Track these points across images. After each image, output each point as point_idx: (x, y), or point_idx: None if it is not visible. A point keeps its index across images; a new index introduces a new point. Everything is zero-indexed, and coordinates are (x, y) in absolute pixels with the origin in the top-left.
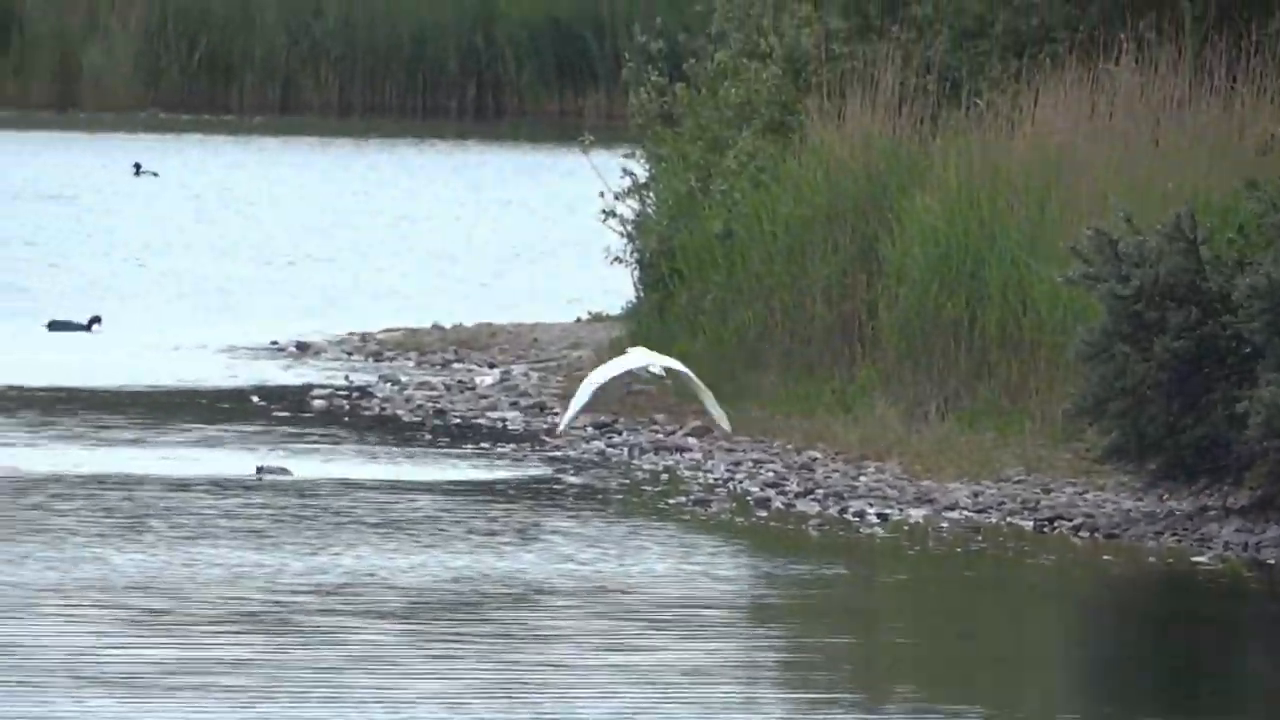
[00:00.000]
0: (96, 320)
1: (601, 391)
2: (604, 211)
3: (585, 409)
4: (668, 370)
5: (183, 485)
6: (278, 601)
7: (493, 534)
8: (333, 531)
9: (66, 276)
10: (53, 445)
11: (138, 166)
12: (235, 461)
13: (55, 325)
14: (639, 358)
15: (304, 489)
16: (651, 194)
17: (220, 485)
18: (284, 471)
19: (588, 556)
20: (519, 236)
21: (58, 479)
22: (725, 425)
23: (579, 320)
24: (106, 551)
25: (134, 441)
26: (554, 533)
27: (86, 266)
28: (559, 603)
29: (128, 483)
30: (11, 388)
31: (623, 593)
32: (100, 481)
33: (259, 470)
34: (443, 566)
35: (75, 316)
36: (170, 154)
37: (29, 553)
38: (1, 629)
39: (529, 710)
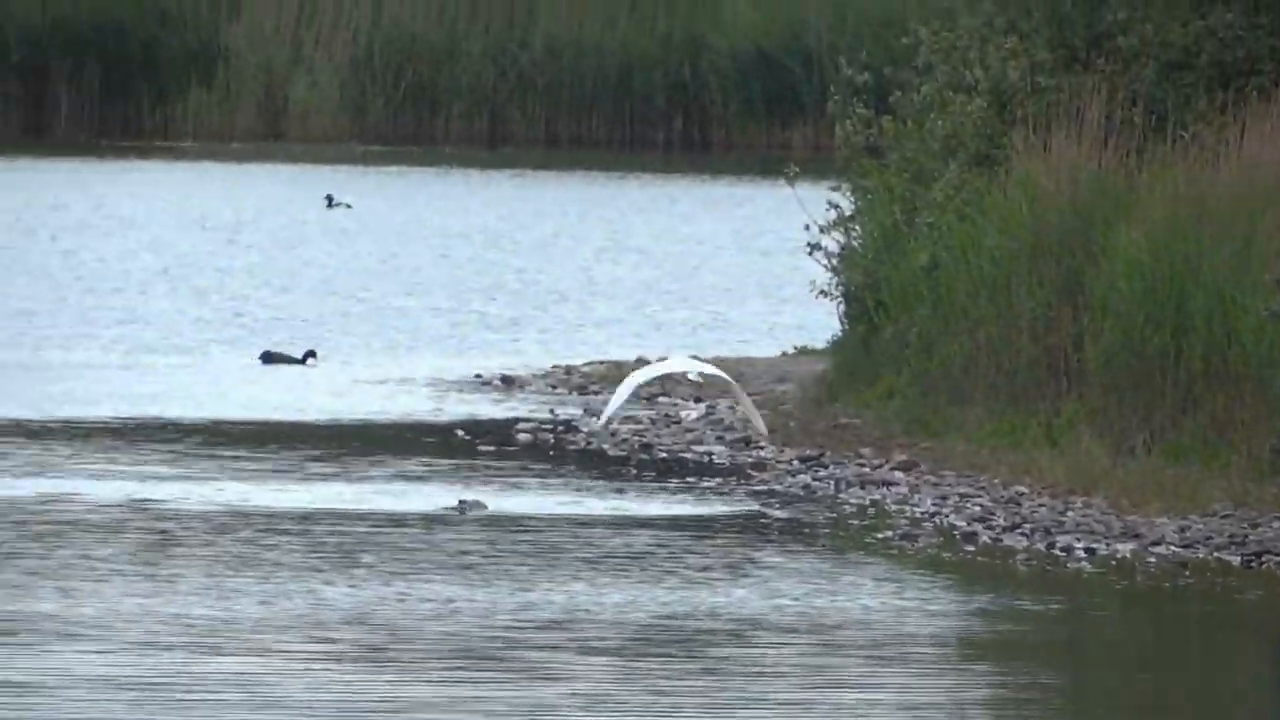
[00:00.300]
0: (311, 354)
1: (640, 389)
2: (809, 244)
3: (625, 404)
4: (704, 375)
5: (391, 520)
6: (492, 637)
7: (704, 569)
8: (543, 567)
9: (261, 309)
10: (263, 480)
11: (330, 199)
12: (441, 496)
13: (269, 357)
14: (678, 364)
15: (511, 524)
16: (857, 227)
17: (428, 520)
18: (481, 505)
19: (798, 591)
20: (725, 270)
21: (268, 514)
22: (761, 428)
23: (785, 354)
24: (318, 586)
25: (341, 475)
26: (763, 567)
27: (279, 299)
28: (772, 638)
29: (336, 517)
30: (224, 421)
31: (835, 628)
32: (309, 516)
33: (460, 504)
34: (655, 602)
35: (290, 349)
36: (368, 186)
37: (240, 587)
38: (216, 663)
39: None
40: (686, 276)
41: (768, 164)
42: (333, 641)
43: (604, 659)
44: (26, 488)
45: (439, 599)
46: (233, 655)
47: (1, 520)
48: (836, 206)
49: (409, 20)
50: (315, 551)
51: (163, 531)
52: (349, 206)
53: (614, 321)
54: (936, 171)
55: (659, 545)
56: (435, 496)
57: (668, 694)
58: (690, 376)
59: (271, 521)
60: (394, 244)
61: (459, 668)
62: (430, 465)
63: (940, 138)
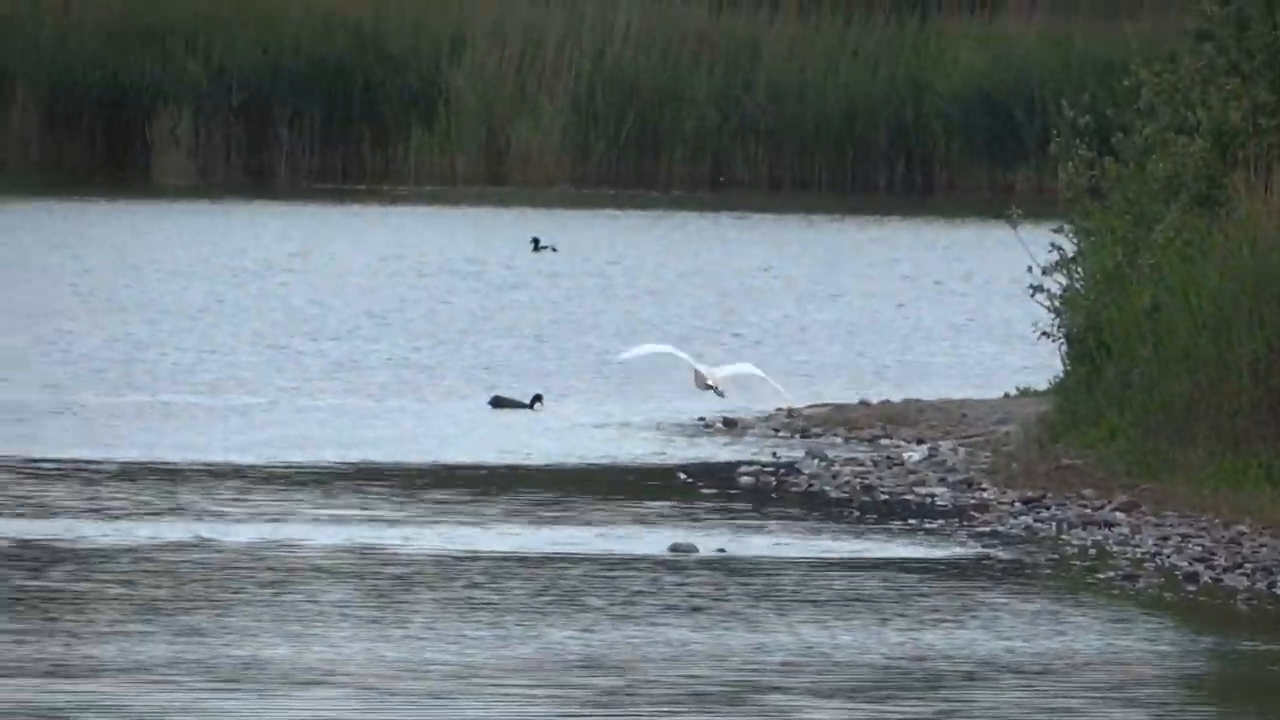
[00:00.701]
0: (538, 399)
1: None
2: (1032, 286)
3: (644, 357)
4: (731, 379)
5: (617, 562)
6: (727, 680)
7: (933, 610)
8: (771, 609)
9: (474, 352)
10: (488, 523)
11: (536, 241)
12: (664, 539)
13: (498, 402)
14: (706, 373)
15: (735, 566)
16: (1079, 268)
17: (653, 562)
18: (693, 549)
19: (1025, 633)
20: (946, 311)
21: (494, 557)
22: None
23: (1006, 395)
24: (546, 630)
25: (565, 519)
26: (989, 609)
27: (493, 343)
28: (1004, 680)
29: (563, 561)
30: (452, 465)
31: (1065, 669)
32: (534, 560)
33: (674, 548)
34: (885, 644)
35: (515, 394)
36: (577, 229)
37: (463, 631)
38: (454, 708)
39: None
40: (906, 319)
41: (990, 206)
42: (569, 686)
43: (838, 701)
44: (252, 533)
45: (670, 642)
46: (468, 698)
47: (231, 566)
48: (1059, 248)
49: (632, 63)
50: (542, 595)
51: (391, 576)
52: (554, 250)
53: (832, 364)
54: (1158, 213)
55: (885, 587)
56: (658, 539)
57: None
58: (717, 392)
59: (499, 565)
60: (599, 287)
61: (697, 711)
62: (653, 508)
63: (1162, 179)
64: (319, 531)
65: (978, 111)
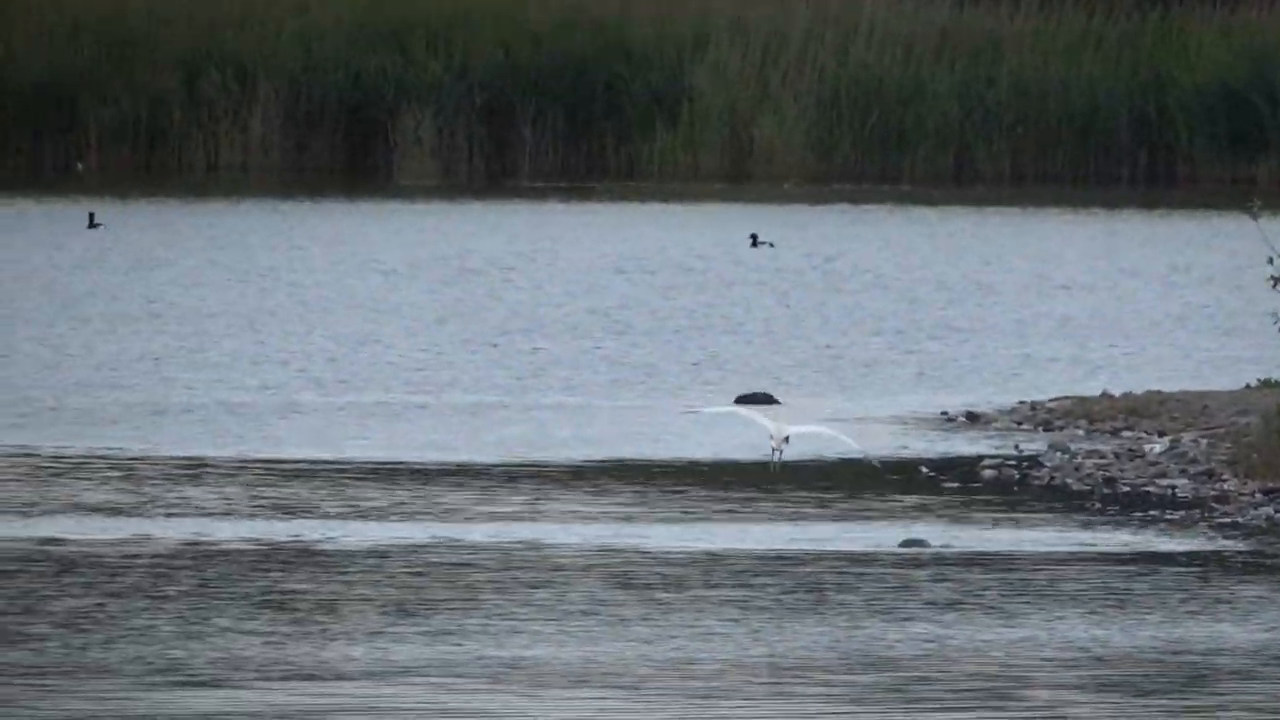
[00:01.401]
0: (770, 398)
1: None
2: (1272, 277)
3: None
4: (800, 438)
5: (860, 559)
6: (989, 675)
7: (1184, 602)
8: (1021, 603)
9: (700, 352)
10: (736, 520)
11: (754, 237)
12: (903, 533)
13: (742, 400)
14: (777, 427)
15: (980, 560)
16: None
17: (897, 558)
18: (925, 543)
19: (1274, 624)
20: (1190, 303)
21: (739, 555)
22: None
23: (1248, 386)
24: (796, 625)
25: (809, 515)
26: (1237, 601)
27: (713, 341)
28: (1263, 673)
29: (807, 557)
30: (695, 462)
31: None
32: (780, 557)
33: (907, 543)
34: (1140, 637)
35: (759, 391)
36: (800, 224)
37: (712, 628)
38: (706, 708)
39: None
40: (1146, 310)
41: (1231, 198)
42: (835, 685)
43: (1116, 695)
44: (498, 531)
45: (930, 638)
46: (731, 697)
47: (480, 565)
48: None
49: (876, 60)
50: (792, 592)
51: (640, 574)
52: (772, 246)
53: (1070, 358)
54: None
55: (1133, 579)
56: (901, 534)
57: None
58: (779, 451)
59: (750, 562)
60: (818, 281)
61: (961, 708)
62: (897, 502)
63: None
64: (567, 531)
65: (1219, 103)
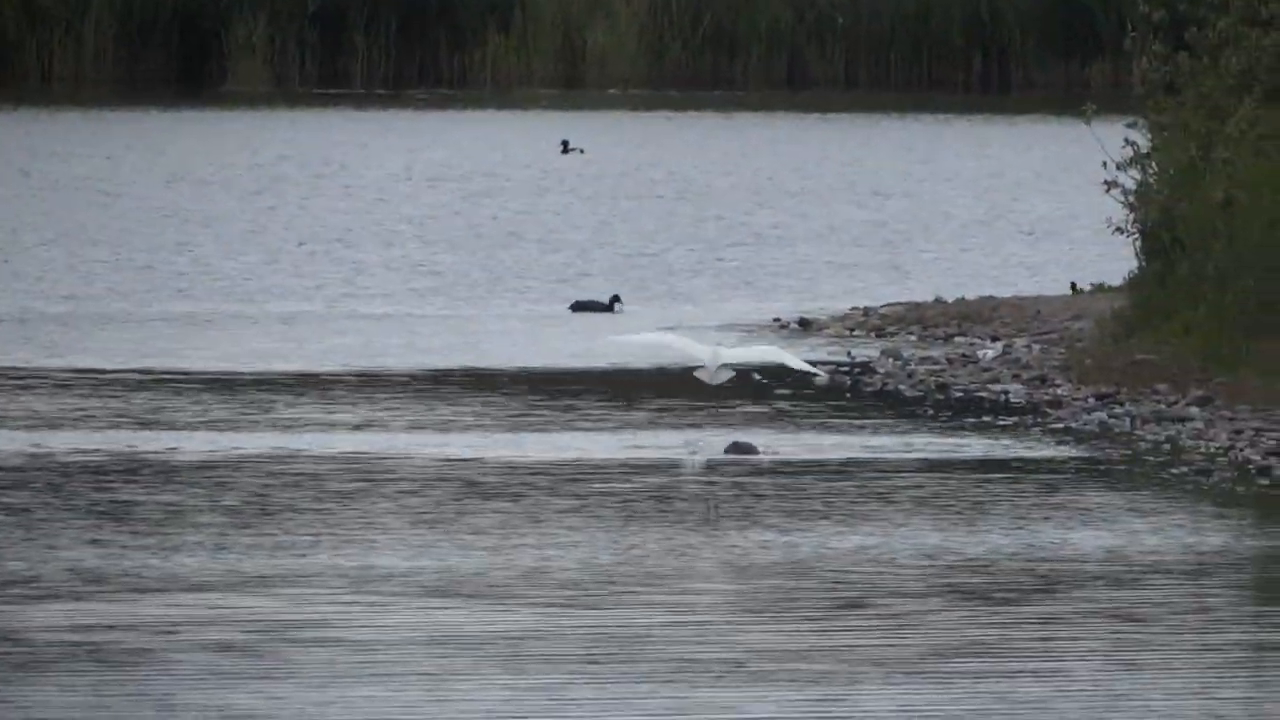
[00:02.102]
0: (617, 299)
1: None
2: (1106, 182)
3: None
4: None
5: (674, 466)
6: (842, 584)
7: (1015, 509)
8: (870, 509)
9: (509, 259)
10: (570, 429)
11: (565, 144)
12: (732, 439)
13: (579, 306)
14: (713, 354)
15: (817, 468)
16: (1153, 164)
17: (741, 465)
18: (751, 449)
19: (1099, 530)
20: (1022, 208)
21: (572, 463)
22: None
23: (1081, 292)
24: (644, 534)
25: (648, 424)
26: (1066, 507)
27: (525, 249)
28: (1083, 579)
29: (633, 466)
30: (533, 370)
31: (1135, 565)
32: (621, 465)
33: (732, 448)
34: (997, 545)
35: (597, 296)
36: (618, 130)
37: (559, 537)
38: (566, 618)
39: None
40: (988, 214)
41: (1066, 102)
42: (691, 593)
43: (970, 602)
44: (339, 442)
45: (778, 545)
46: (592, 608)
47: (313, 478)
48: (1133, 143)
49: None
50: (633, 500)
51: (475, 483)
52: (582, 152)
53: (911, 262)
54: (1232, 107)
55: (971, 485)
56: (725, 441)
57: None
58: (715, 380)
59: (582, 471)
60: (631, 190)
61: (818, 616)
62: (730, 409)
63: (1236, 73)
64: (408, 441)
65: (1053, 7)
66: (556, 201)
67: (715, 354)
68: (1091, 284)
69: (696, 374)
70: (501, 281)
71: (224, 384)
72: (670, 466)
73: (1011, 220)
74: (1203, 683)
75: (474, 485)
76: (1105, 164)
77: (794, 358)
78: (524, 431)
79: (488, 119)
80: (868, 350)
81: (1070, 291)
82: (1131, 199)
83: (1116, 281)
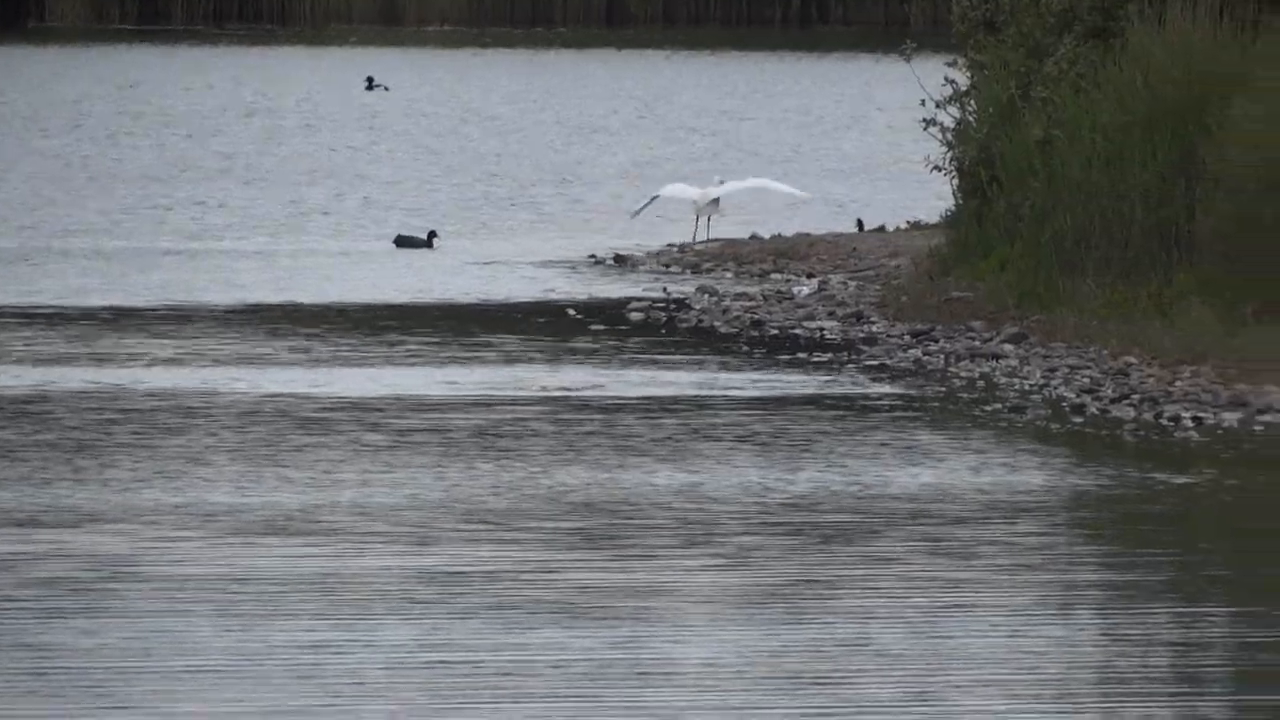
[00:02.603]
0: (434, 235)
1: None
2: (925, 120)
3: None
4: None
5: (497, 401)
6: (689, 519)
7: (825, 444)
8: (694, 447)
9: (320, 195)
10: (390, 363)
11: (370, 81)
12: (547, 377)
13: (401, 241)
14: (701, 194)
15: (638, 405)
16: (972, 102)
17: (529, 400)
18: (569, 386)
19: (908, 464)
20: (838, 145)
21: (395, 398)
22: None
23: (897, 229)
24: (481, 469)
25: (465, 360)
26: (872, 444)
27: (331, 186)
28: (885, 509)
29: (451, 402)
30: (350, 305)
31: (946, 499)
32: (426, 401)
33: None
34: (822, 481)
35: (416, 232)
36: (425, 67)
37: (395, 471)
38: (423, 556)
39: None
40: (804, 151)
41: (885, 39)
42: (533, 529)
43: (797, 539)
44: (164, 378)
45: (603, 483)
46: (446, 543)
47: (139, 412)
48: (952, 82)
49: None
50: (453, 435)
51: (306, 419)
52: (386, 89)
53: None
54: (1052, 46)
55: (792, 421)
56: (539, 377)
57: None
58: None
59: (406, 406)
60: (440, 128)
61: (677, 548)
62: (544, 343)
63: (1056, 11)
64: (233, 375)
65: None
66: (362, 139)
67: (704, 194)
68: (909, 221)
69: (698, 210)
70: (311, 218)
71: (45, 319)
72: (493, 404)
73: (823, 157)
74: (1020, 619)
75: (301, 421)
76: (924, 102)
77: (783, 186)
78: (345, 367)
79: (303, 55)
80: (684, 286)
81: (857, 229)
82: (950, 137)
83: (934, 220)
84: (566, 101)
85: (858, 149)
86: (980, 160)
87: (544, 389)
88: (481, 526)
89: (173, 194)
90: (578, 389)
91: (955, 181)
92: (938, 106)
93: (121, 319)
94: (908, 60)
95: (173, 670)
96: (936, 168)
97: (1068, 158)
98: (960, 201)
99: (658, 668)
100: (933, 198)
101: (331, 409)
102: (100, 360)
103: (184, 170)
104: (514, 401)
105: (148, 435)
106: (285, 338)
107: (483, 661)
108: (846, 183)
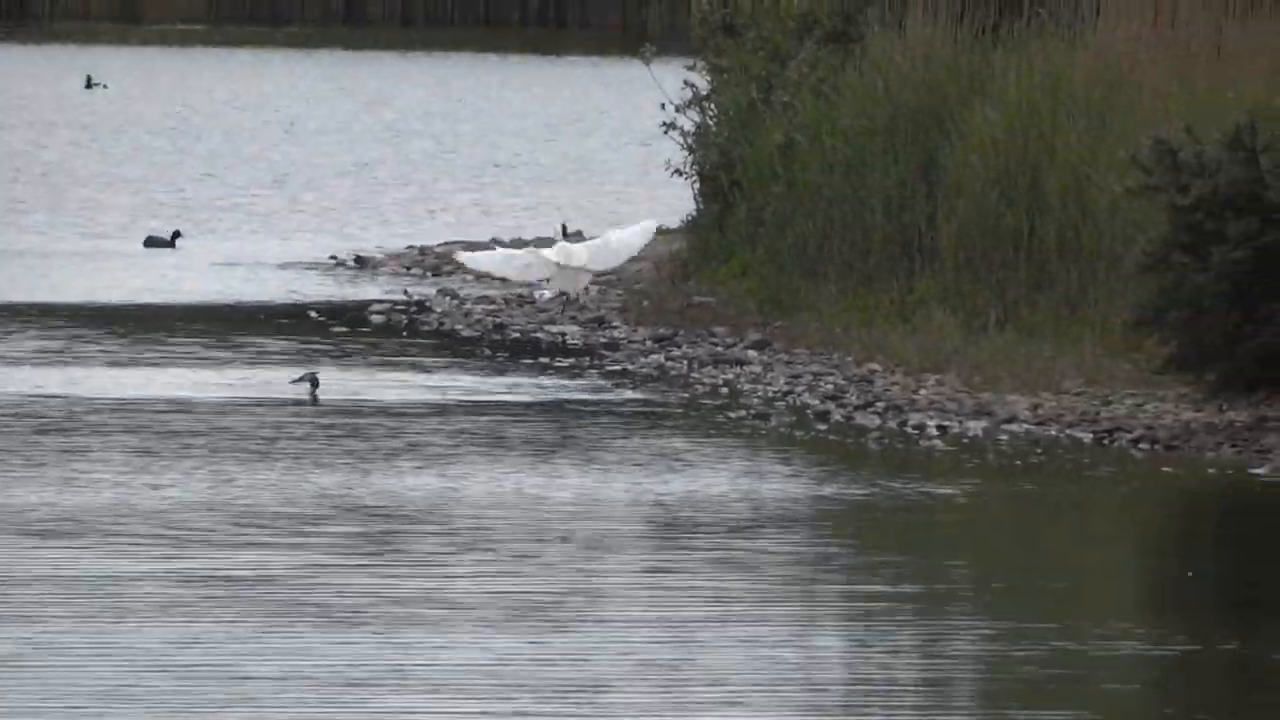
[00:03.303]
0: (178, 234)
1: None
2: (664, 124)
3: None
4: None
5: (248, 402)
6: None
7: (552, 452)
8: (374, 454)
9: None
10: (136, 365)
11: (89, 79)
12: (290, 378)
13: (150, 241)
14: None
15: (350, 408)
16: (712, 106)
17: (279, 404)
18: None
19: (649, 474)
20: (578, 149)
21: (133, 400)
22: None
23: (571, 235)
24: (246, 472)
25: (192, 360)
26: (614, 451)
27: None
28: (620, 520)
29: (174, 405)
30: (99, 306)
31: (683, 508)
32: (182, 402)
33: (307, 378)
34: (578, 490)
35: (159, 232)
36: (147, 65)
37: (93, 476)
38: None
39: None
40: (544, 155)
41: (625, 43)
42: (316, 535)
43: (591, 549)
44: None
45: (383, 489)
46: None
47: None
48: (692, 85)
49: None
50: (191, 434)
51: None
52: (105, 87)
53: (469, 203)
54: (792, 50)
55: (537, 428)
56: (284, 380)
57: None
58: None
59: (152, 408)
60: (157, 126)
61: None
62: (282, 348)
63: (796, 16)
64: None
65: None
66: (75, 137)
67: (565, 252)
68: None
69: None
70: (29, 217)
71: None
72: (246, 405)
73: (568, 160)
74: (766, 629)
75: (54, 421)
76: (664, 105)
77: (635, 230)
78: (100, 367)
79: (28, 54)
80: (424, 289)
81: (562, 235)
82: (690, 141)
83: (675, 224)
84: (288, 102)
85: (598, 152)
86: (721, 164)
87: (308, 394)
88: (244, 530)
89: None
90: (330, 393)
91: (696, 186)
92: (677, 110)
93: None
94: (647, 64)
95: None
96: (677, 171)
97: (809, 163)
98: (701, 206)
99: (419, 674)
100: (674, 202)
101: (87, 410)
102: None
103: None
104: (264, 404)
105: None
106: (37, 338)
107: (240, 666)
108: (586, 186)
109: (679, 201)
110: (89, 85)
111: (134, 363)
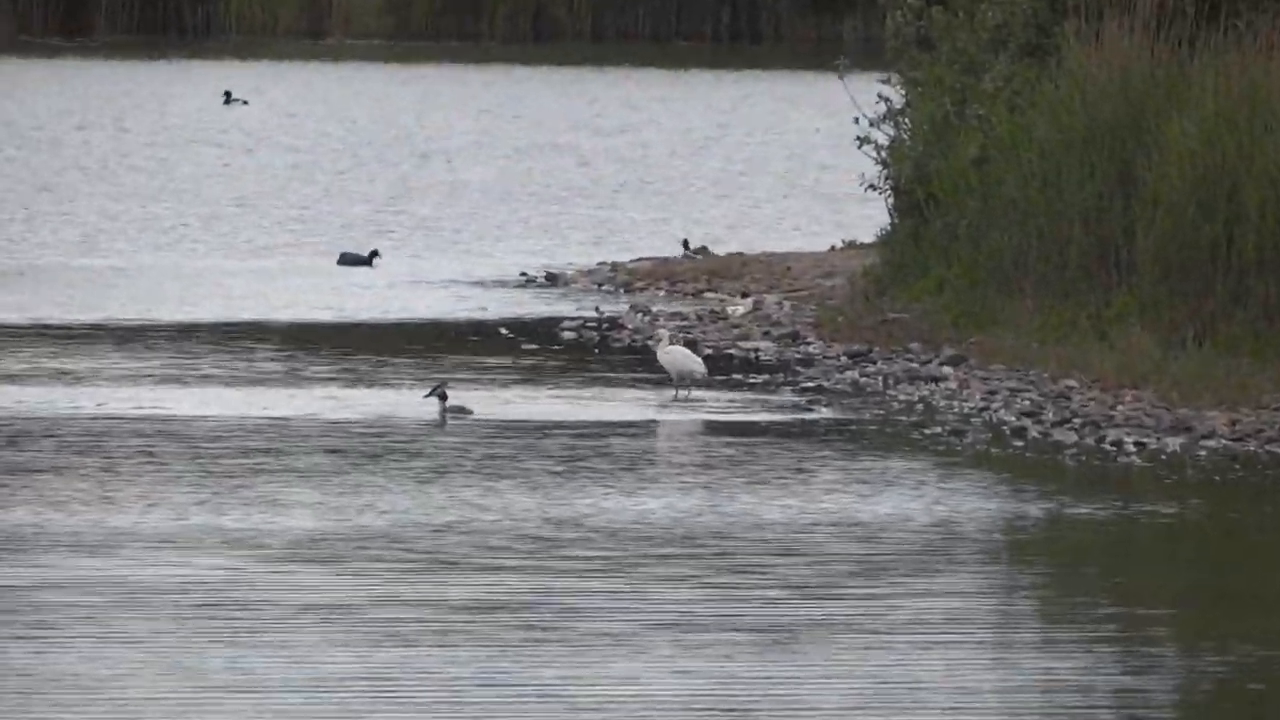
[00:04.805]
0: (376, 254)
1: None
2: (859, 138)
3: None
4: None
5: (430, 424)
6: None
7: (755, 469)
8: (565, 472)
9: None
10: (321, 385)
11: (228, 95)
12: (484, 397)
13: (344, 259)
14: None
15: (571, 427)
16: (907, 120)
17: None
18: (465, 410)
19: (849, 491)
20: (773, 165)
21: (324, 419)
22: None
23: (833, 248)
24: (400, 492)
25: (384, 380)
26: (813, 467)
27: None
28: (825, 538)
29: (366, 423)
30: (289, 324)
31: (884, 526)
32: (358, 422)
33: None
34: (717, 508)
35: (358, 250)
36: (290, 81)
37: (278, 496)
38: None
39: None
40: (738, 170)
41: (819, 57)
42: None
43: (701, 567)
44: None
45: (535, 508)
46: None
47: (50, 430)
48: (886, 99)
49: None
50: (376, 453)
51: (199, 441)
52: (245, 103)
53: (660, 218)
54: (987, 63)
55: (718, 447)
56: (481, 398)
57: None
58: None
59: (333, 425)
60: (287, 141)
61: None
62: (476, 364)
63: (991, 28)
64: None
65: None
66: (207, 154)
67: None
68: (844, 241)
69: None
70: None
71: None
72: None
73: (761, 175)
74: (964, 651)
75: (271, 439)
76: (858, 120)
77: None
78: (301, 386)
79: (204, 70)
80: (616, 306)
81: (684, 249)
82: (884, 156)
83: (869, 239)
84: (478, 118)
85: (794, 166)
86: (915, 179)
87: (438, 411)
88: (496, 553)
89: (73, 208)
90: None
91: (890, 200)
92: (872, 125)
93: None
94: (841, 77)
95: None
96: (871, 186)
97: (1004, 176)
98: (895, 221)
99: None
100: (868, 217)
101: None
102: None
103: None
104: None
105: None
106: (249, 357)
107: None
108: (781, 201)
109: (871, 217)
110: (228, 101)
111: (356, 381)
